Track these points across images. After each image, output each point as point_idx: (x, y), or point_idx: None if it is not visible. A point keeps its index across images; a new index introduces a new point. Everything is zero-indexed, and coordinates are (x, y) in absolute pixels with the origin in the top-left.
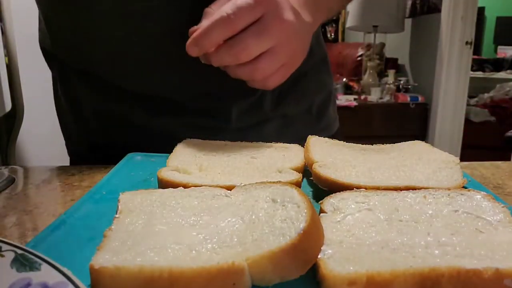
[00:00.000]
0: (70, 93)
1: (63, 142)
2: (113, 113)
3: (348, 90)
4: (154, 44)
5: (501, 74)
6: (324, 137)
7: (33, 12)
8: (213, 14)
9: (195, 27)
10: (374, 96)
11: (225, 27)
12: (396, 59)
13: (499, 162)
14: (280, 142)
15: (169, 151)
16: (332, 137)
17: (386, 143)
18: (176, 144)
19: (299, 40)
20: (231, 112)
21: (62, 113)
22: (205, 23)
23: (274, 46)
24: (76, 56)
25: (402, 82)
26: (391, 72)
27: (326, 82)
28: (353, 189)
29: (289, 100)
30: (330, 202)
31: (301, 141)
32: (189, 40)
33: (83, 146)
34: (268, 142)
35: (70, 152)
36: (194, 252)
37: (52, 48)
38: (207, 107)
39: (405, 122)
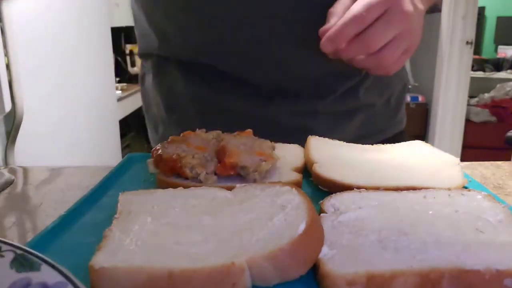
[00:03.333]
0: (165, 84)
1: (63, 142)
2: (211, 100)
3: None
4: (277, 32)
5: (502, 74)
6: (396, 132)
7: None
8: (338, 14)
9: (326, 27)
10: None
11: (357, 24)
12: None
13: (499, 162)
14: (363, 132)
15: (264, 137)
16: (401, 132)
17: (386, 143)
18: (272, 130)
19: (417, 28)
20: (328, 94)
21: (150, 106)
22: (339, 21)
23: (397, 35)
24: (194, 50)
25: None
26: None
27: (403, 74)
28: (353, 189)
29: (377, 90)
30: (330, 202)
31: (380, 134)
32: (324, 38)
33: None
34: (353, 132)
35: (154, 142)
36: (194, 252)
37: (162, 45)
38: (307, 90)
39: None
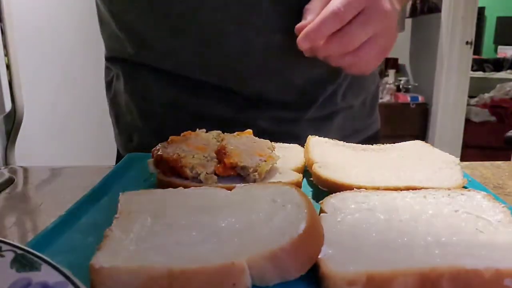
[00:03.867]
0: (139, 91)
1: (63, 142)
2: (190, 107)
3: None
4: (254, 39)
5: (501, 74)
6: (372, 132)
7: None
8: (314, 10)
9: (302, 23)
10: None
11: (336, 21)
12: (397, 59)
13: (499, 162)
14: (343, 134)
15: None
16: (377, 132)
17: (386, 143)
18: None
19: (393, 27)
20: (311, 104)
21: (122, 114)
22: (317, 18)
23: (375, 33)
24: (166, 56)
25: (402, 82)
26: (391, 72)
27: (376, 74)
28: (353, 189)
29: (353, 92)
30: (330, 202)
31: (358, 134)
32: (301, 35)
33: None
34: (333, 134)
35: (126, 151)
36: (194, 252)
37: (134, 50)
38: (291, 100)
39: (405, 122)
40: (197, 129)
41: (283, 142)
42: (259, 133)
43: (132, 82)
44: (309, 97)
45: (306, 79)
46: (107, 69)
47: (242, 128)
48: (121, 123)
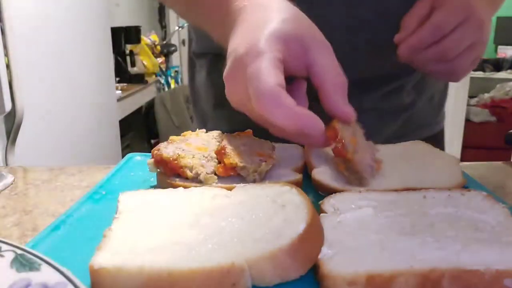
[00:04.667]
0: (218, 82)
1: (63, 142)
2: None
3: None
4: (335, 39)
5: (502, 74)
6: (437, 131)
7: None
8: (413, 22)
9: (402, 34)
10: None
11: (437, 33)
12: None
13: (499, 162)
14: (405, 130)
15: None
16: (441, 131)
17: (386, 143)
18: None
19: (487, 38)
20: (373, 92)
21: (199, 101)
22: (420, 29)
23: (470, 44)
24: None
25: None
26: None
27: None
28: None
29: (420, 89)
30: (330, 202)
31: (422, 130)
32: (404, 45)
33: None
34: (396, 130)
35: None
36: (194, 252)
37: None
38: (354, 88)
39: None
40: (197, 129)
41: None
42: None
43: (213, 73)
44: (373, 86)
45: (376, 73)
46: (191, 60)
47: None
48: (198, 110)
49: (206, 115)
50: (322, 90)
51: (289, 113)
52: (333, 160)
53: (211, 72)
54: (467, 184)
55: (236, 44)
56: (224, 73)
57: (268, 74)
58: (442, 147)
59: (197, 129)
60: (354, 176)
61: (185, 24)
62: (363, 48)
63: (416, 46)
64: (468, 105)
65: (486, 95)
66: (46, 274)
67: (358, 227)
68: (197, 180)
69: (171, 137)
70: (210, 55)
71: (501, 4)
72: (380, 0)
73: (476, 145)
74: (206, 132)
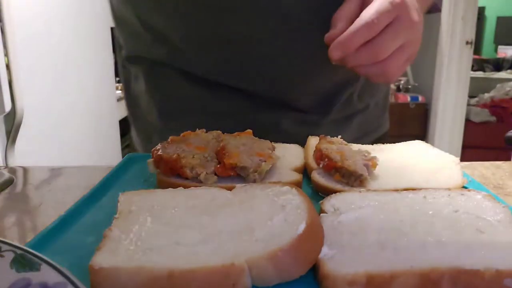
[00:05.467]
0: (162, 91)
1: (63, 142)
2: (212, 108)
3: None
4: (282, 44)
5: (502, 74)
6: (384, 131)
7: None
8: (343, 20)
9: (332, 33)
10: None
11: (368, 32)
12: None
13: (499, 162)
14: (361, 133)
15: (272, 140)
16: (387, 132)
17: (386, 143)
18: (279, 134)
19: (419, 37)
20: (332, 107)
21: (142, 115)
22: (350, 28)
23: (403, 44)
24: (200, 58)
25: (402, 82)
26: None
27: None
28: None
29: (368, 92)
30: (330, 202)
31: (373, 133)
32: (333, 45)
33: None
34: (351, 135)
35: (145, 151)
36: (194, 252)
37: (160, 50)
38: (314, 103)
39: (405, 122)
40: (197, 129)
41: (330, 136)
42: (281, 134)
43: (154, 83)
44: (331, 100)
45: (329, 84)
46: (124, 68)
47: (264, 129)
48: (140, 124)
49: (150, 128)
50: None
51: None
52: (329, 175)
53: (150, 79)
54: (467, 184)
55: None
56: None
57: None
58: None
59: (140, 146)
60: (352, 178)
61: None
62: (313, 57)
63: (346, 46)
64: (468, 105)
65: (486, 95)
66: (46, 274)
67: (358, 227)
68: (197, 180)
69: (171, 137)
70: (146, 60)
71: (430, 2)
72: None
73: (476, 145)
74: (206, 132)
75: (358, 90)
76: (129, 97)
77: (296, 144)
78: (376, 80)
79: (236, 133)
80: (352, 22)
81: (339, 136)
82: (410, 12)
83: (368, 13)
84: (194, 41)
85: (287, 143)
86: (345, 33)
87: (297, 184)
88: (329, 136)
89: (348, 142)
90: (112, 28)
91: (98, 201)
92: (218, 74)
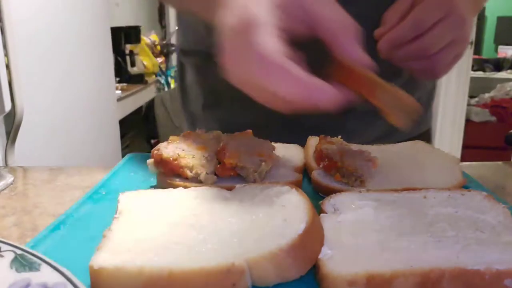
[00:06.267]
0: (209, 82)
1: (63, 142)
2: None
3: None
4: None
5: (502, 74)
6: (424, 129)
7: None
8: (392, 18)
9: (382, 29)
10: None
11: (418, 28)
12: None
13: (499, 162)
14: (393, 128)
15: (293, 132)
16: (428, 130)
17: (386, 143)
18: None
19: (468, 35)
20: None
21: (189, 102)
22: (400, 24)
23: (451, 41)
24: None
25: None
26: None
27: None
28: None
29: (410, 88)
30: (330, 202)
31: (412, 129)
32: (384, 39)
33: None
34: (383, 129)
35: None
36: (194, 252)
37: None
38: None
39: None
40: (197, 129)
41: (331, 136)
42: (305, 128)
43: (202, 75)
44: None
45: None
46: (179, 61)
47: (291, 120)
48: (187, 111)
49: (195, 116)
50: (334, 42)
51: (297, 81)
52: (329, 175)
53: (200, 72)
54: (467, 184)
55: (230, 16)
56: (222, 47)
57: (271, 44)
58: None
59: (189, 130)
60: (352, 178)
61: None
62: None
63: (396, 41)
64: (468, 105)
65: (486, 95)
66: (45, 274)
67: (358, 227)
68: (197, 180)
69: (171, 137)
70: (199, 53)
71: (484, 3)
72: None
73: (476, 145)
74: (207, 132)
75: (398, 84)
76: (182, 87)
77: (296, 144)
78: (422, 75)
79: (236, 133)
80: (401, 19)
81: (339, 136)
82: (460, 10)
83: (418, 11)
84: None
85: (310, 134)
86: (395, 30)
87: (297, 184)
88: (329, 136)
89: (382, 135)
90: (112, 28)
91: (98, 201)
92: None
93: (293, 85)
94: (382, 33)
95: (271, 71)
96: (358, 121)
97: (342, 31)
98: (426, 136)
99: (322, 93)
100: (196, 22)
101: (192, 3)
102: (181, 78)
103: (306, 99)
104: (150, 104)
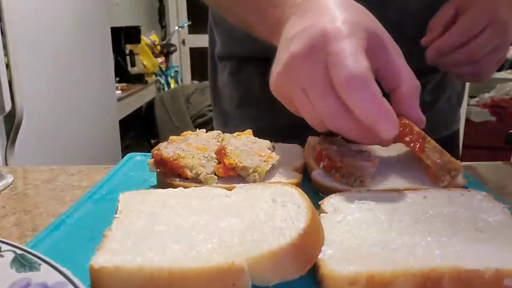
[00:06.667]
0: (243, 83)
1: (63, 142)
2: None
3: None
4: None
5: (502, 74)
6: (453, 130)
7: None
8: (438, 26)
9: (429, 37)
10: None
11: (465, 36)
12: None
13: (499, 162)
14: (427, 128)
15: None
16: (457, 131)
17: (456, 143)
18: None
19: (510, 40)
20: None
21: (221, 102)
22: (448, 32)
23: (495, 47)
24: None
25: None
26: None
27: None
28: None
29: (441, 86)
30: (330, 202)
31: (442, 129)
32: (432, 46)
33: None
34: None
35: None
36: (194, 252)
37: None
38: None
39: None
40: (197, 129)
41: (331, 136)
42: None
43: (237, 75)
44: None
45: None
46: (212, 61)
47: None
48: (219, 110)
49: (228, 115)
50: (397, 92)
51: (375, 99)
52: (329, 175)
53: (234, 73)
54: (467, 184)
55: (307, 26)
56: (289, 54)
57: (361, 56)
58: (458, 147)
59: (218, 130)
60: (352, 178)
61: (185, 24)
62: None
63: (444, 49)
64: (468, 105)
65: (486, 95)
66: (46, 274)
67: (358, 227)
68: (197, 180)
69: (171, 137)
70: (235, 57)
71: None
72: (404, 1)
73: (476, 145)
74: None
75: (432, 83)
76: (214, 88)
77: (296, 144)
78: (467, 79)
79: (236, 133)
80: (446, 27)
81: (339, 136)
82: (502, 17)
83: (464, 20)
84: None
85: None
86: (443, 39)
87: (297, 184)
88: (329, 136)
89: None
90: (112, 28)
91: (98, 201)
92: None
93: (371, 101)
94: (429, 40)
95: (356, 80)
96: None
97: (408, 82)
98: (454, 137)
99: (389, 119)
100: (237, 30)
101: (251, 18)
102: (213, 80)
103: (373, 121)
104: (150, 104)
